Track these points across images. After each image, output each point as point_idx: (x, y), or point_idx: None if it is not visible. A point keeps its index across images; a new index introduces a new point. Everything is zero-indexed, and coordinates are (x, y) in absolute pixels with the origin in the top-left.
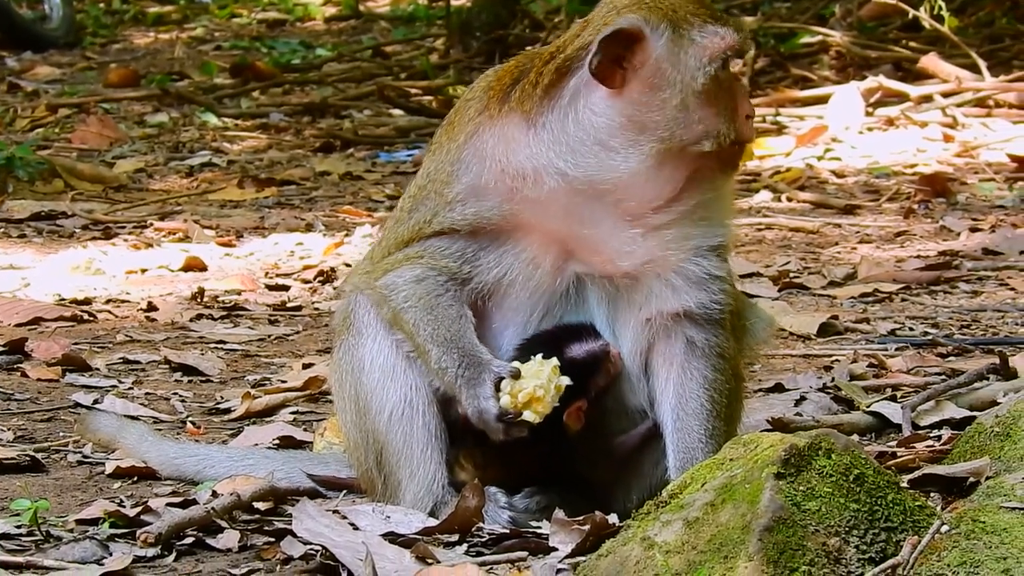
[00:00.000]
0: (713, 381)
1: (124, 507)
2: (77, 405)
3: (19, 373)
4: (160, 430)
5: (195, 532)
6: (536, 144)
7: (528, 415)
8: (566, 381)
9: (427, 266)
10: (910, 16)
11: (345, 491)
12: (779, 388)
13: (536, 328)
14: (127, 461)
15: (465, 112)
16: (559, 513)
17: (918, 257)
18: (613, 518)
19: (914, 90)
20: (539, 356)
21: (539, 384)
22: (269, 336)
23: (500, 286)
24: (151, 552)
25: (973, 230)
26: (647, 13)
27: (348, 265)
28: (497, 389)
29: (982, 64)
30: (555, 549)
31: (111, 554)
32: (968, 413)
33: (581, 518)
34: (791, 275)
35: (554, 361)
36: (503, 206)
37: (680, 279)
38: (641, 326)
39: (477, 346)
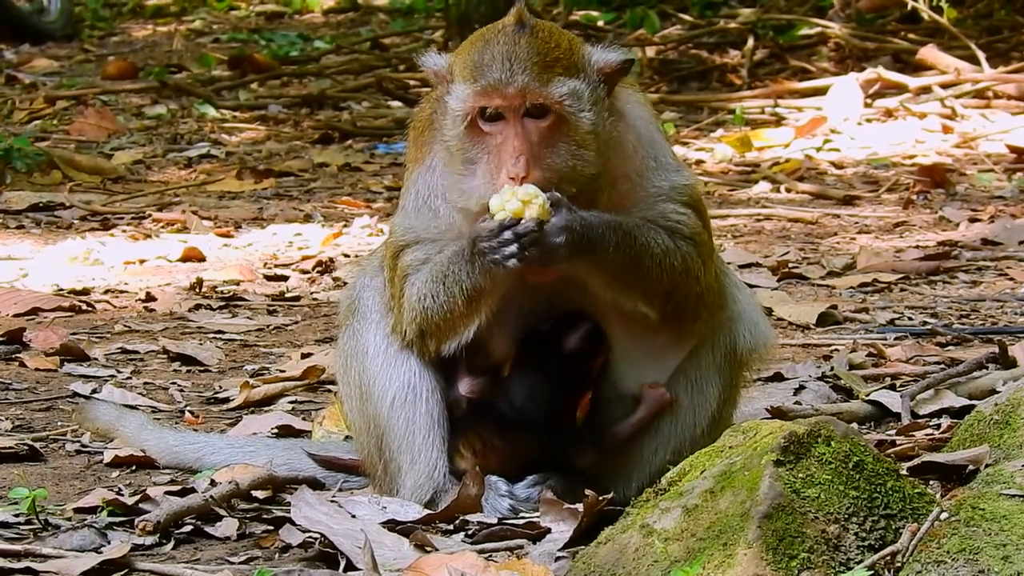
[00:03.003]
0: (664, 238)
1: (122, 495)
2: (75, 395)
3: (17, 363)
4: (158, 419)
5: (193, 520)
6: (437, 184)
7: (530, 214)
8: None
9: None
10: (908, 8)
11: (344, 476)
12: (778, 377)
13: (530, 314)
14: (125, 450)
15: (406, 155)
16: (548, 493)
17: (917, 247)
18: (607, 497)
19: (913, 81)
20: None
21: (525, 191)
22: (267, 326)
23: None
24: (149, 540)
25: (972, 220)
26: (448, 59)
27: (346, 256)
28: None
29: (981, 55)
30: (549, 530)
31: (109, 542)
32: (967, 402)
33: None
34: (790, 265)
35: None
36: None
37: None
38: None
39: None
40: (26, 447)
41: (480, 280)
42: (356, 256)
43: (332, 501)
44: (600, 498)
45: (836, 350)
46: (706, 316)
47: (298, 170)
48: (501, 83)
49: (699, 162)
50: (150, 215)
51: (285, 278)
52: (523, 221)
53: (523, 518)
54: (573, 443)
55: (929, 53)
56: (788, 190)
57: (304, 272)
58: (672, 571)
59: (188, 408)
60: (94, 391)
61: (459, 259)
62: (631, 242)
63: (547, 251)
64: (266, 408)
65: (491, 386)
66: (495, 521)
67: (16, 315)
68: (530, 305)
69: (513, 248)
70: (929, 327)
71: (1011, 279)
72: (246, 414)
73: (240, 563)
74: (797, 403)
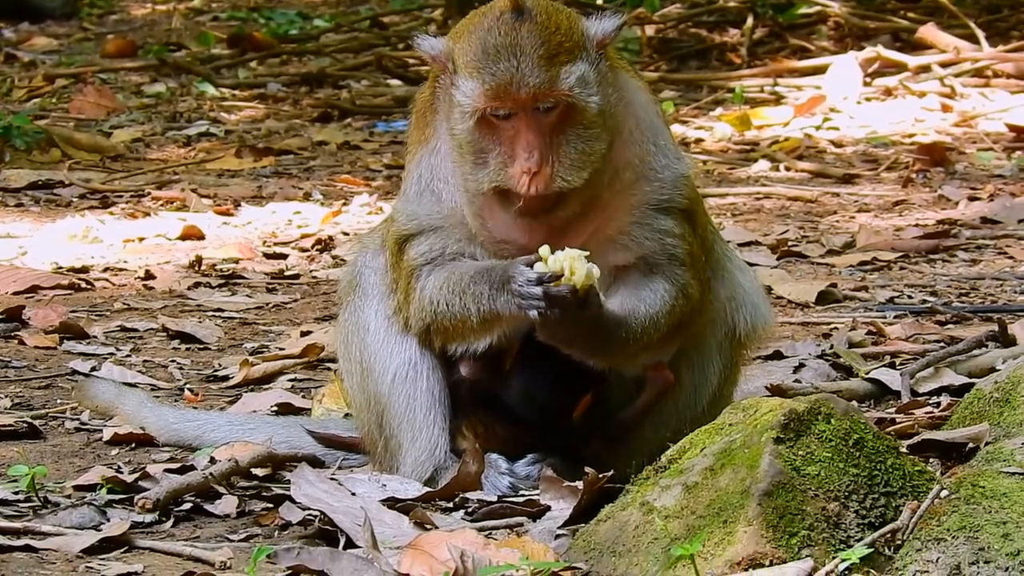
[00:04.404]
0: (667, 289)
1: (122, 473)
2: (75, 372)
3: (17, 341)
4: (158, 397)
5: (193, 498)
6: (439, 166)
7: (567, 274)
8: (595, 270)
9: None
10: None
11: (344, 454)
12: (778, 355)
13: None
14: (125, 428)
15: (408, 135)
16: (548, 471)
17: (917, 226)
18: (607, 475)
19: (912, 60)
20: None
21: (572, 256)
22: (267, 304)
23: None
24: (149, 518)
25: (971, 199)
26: (446, 44)
27: (346, 234)
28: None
29: (980, 34)
30: (548, 508)
31: (109, 520)
32: (967, 380)
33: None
34: (790, 244)
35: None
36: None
37: (628, 239)
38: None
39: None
40: (25, 425)
41: (501, 309)
42: (355, 234)
43: (332, 479)
44: (600, 476)
45: (835, 328)
46: (699, 321)
47: (297, 148)
48: (512, 86)
49: (699, 141)
50: (149, 193)
51: (284, 256)
52: (561, 283)
53: (523, 496)
54: (575, 436)
55: (928, 32)
56: (787, 169)
57: (303, 250)
58: (672, 548)
59: (187, 386)
60: (93, 369)
61: (483, 282)
62: (640, 335)
63: (565, 320)
64: (265, 386)
65: (491, 374)
66: (495, 499)
67: (15, 293)
68: None
69: (540, 304)
70: (928, 305)
71: (1010, 257)
72: (245, 392)
73: (240, 540)
74: (797, 381)
